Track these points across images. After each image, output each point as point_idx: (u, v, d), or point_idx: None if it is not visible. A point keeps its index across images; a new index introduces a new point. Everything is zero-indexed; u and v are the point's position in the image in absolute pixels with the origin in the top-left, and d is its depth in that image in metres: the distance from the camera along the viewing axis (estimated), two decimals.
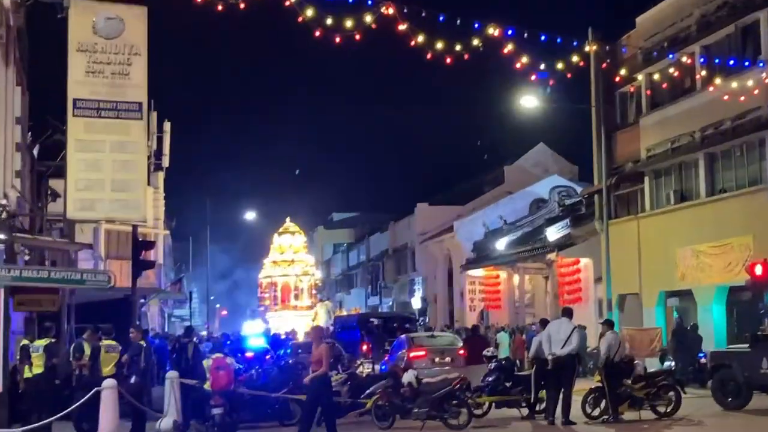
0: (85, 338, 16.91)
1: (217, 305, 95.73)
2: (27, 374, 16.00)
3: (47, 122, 25.37)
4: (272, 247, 61.96)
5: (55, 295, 19.99)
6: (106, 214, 20.60)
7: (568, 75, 20.07)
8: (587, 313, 32.55)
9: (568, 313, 18.26)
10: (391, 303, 63.08)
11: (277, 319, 58.87)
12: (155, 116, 36.89)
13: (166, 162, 39.47)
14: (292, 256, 60.07)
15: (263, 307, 62.76)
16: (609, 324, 18.92)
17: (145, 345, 16.86)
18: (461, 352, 24.52)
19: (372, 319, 37.20)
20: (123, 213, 20.52)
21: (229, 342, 30.49)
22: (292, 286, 59.25)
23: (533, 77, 19.68)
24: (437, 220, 54.63)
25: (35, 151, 26.42)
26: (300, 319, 57.74)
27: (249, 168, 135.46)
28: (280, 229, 62.22)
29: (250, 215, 63.60)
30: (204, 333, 53.08)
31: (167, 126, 38.36)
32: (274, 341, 33.30)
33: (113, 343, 16.57)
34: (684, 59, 26.05)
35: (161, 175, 40.89)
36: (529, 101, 29.68)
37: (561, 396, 17.23)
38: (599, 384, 17.78)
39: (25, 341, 16.59)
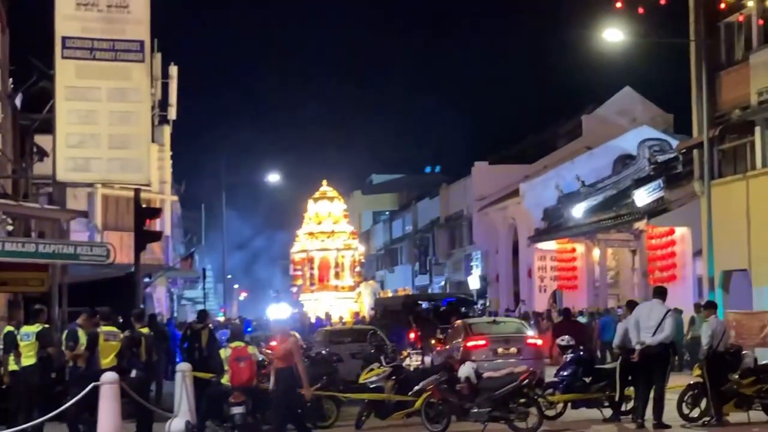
0: (80, 324, 17.10)
1: (235, 285, 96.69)
2: (12, 367, 16.23)
3: (32, 66, 25.56)
4: (306, 216, 62.13)
5: (44, 272, 20.29)
6: (102, 175, 20.84)
7: (662, 1, 19.79)
8: (684, 293, 32.36)
9: (660, 293, 18.15)
10: (443, 282, 63.22)
11: (313, 301, 59.08)
12: (159, 58, 36.92)
13: (172, 114, 39.58)
14: (331, 227, 60.22)
15: (296, 288, 63.06)
16: (711, 307, 18.78)
17: (147, 333, 17.03)
18: (530, 341, 24.55)
19: (421, 302, 37.31)
20: (123, 174, 20.74)
21: (250, 329, 30.78)
22: (332, 262, 59.34)
23: (618, 4, 19.45)
24: (499, 182, 54.45)
25: (18, 101, 26.68)
26: (340, 302, 57.98)
27: (271, 123, 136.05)
28: (316, 194, 62.38)
29: (273, 178, 63.78)
30: (220, 318, 53.65)
31: (174, 70, 38.36)
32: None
33: (114, 329, 16.77)
34: None
35: (167, 129, 41.08)
36: (613, 35, 29.31)
37: (652, 394, 17.18)
38: (699, 379, 17.68)
39: (9, 327, 16.82)
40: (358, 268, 62.11)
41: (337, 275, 59.53)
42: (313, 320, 45.75)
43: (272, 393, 15.65)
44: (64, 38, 19.67)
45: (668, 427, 17.02)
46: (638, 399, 17.63)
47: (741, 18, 30.65)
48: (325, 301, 58.50)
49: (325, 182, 63.15)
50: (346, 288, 59.96)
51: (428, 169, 79.92)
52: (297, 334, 17.99)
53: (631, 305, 19.14)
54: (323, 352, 23.79)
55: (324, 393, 18.91)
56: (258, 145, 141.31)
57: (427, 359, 28.37)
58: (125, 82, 19.99)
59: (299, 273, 62.30)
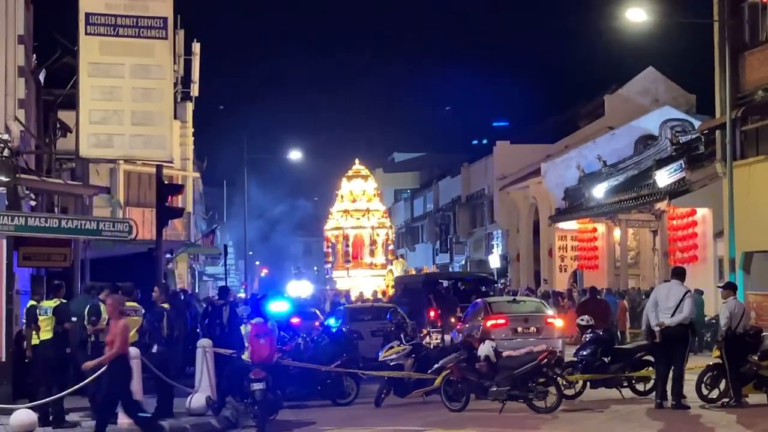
0: (102, 299, 17.16)
1: (257, 262, 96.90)
2: (34, 341, 16.32)
3: (56, 42, 25.60)
4: (340, 193, 62.06)
5: (67, 248, 20.36)
6: (125, 151, 20.81)
7: None
8: (705, 274, 32.26)
9: (679, 274, 18.17)
10: (463, 261, 63.22)
11: (346, 279, 58.89)
12: (182, 35, 36.94)
13: (195, 91, 39.59)
14: (366, 205, 60.30)
15: (329, 264, 62.92)
16: (731, 288, 18.71)
17: (169, 308, 17.08)
18: (550, 320, 24.60)
19: (441, 281, 37.28)
20: (145, 151, 20.73)
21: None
22: (367, 240, 59.30)
23: None
24: (521, 161, 54.38)
25: (42, 77, 26.74)
26: (373, 279, 57.93)
27: (293, 100, 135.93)
28: (350, 173, 62.40)
29: (294, 155, 63.90)
30: (241, 294, 53.71)
31: (197, 47, 38.38)
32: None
33: (135, 304, 16.82)
34: None
35: (190, 106, 41.21)
36: (636, 15, 29.10)
37: (672, 374, 17.17)
38: (718, 360, 17.65)
39: (32, 302, 16.91)
40: (390, 246, 62.07)
41: (372, 253, 59.44)
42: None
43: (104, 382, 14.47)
44: (87, 14, 19.66)
45: (687, 407, 17.02)
46: (658, 379, 17.65)
47: None
48: (358, 278, 58.35)
49: (357, 161, 63.03)
50: (379, 266, 59.88)
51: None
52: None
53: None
54: (343, 329, 23.89)
55: (345, 370, 19.02)
56: (280, 122, 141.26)
57: (447, 337, 28.43)
58: (148, 58, 19.98)
59: (330, 250, 62.14)
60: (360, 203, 60.58)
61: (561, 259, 46.88)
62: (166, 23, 20.14)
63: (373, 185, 62.62)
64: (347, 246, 59.75)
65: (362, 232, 60.08)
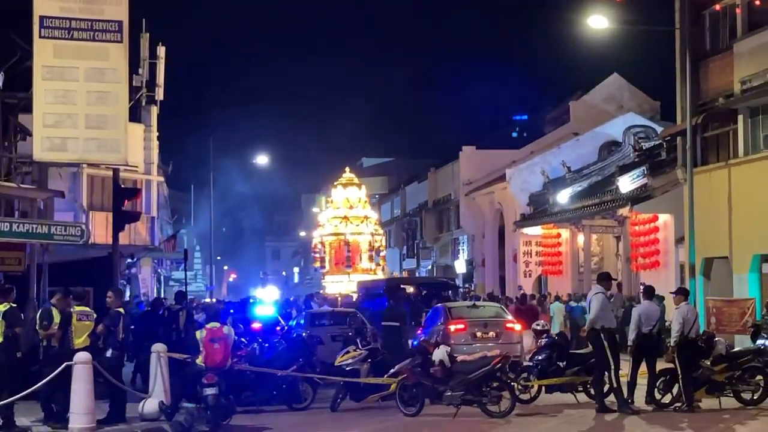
0: (54, 303, 17.02)
1: (225, 267, 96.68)
2: None
3: (14, 44, 25.42)
4: (335, 200, 61.85)
5: (21, 251, 20.23)
6: (79, 155, 20.73)
7: None
8: (666, 280, 32.38)
9: (599, 279, 18.94)
10: (430, 266, 63.25)
11: (346, 283, 58.34)
12: (147, 38, 36.82)
13: (160, 95, 39.38)
14: (363, 212, 60.23)
15: (322, 267, 62.51)
16: (683, 293, 18.90)
17: (124, 312, 16.96)
18: (509, 325, 24.62)
19: (403, 286, 37.18)
20: (99, 155, 20.66)
21: (232, 311, 30.54)
22: (365, 246, 59.08)
23: None
24: (486, 167, 54.47)
25: (0, 80, 26.55)
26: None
27: (261, 104, 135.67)
28: (343, 180, 62.29)
29: (262, 160, 63.81)
30: (207, 300, 53.35)
31: (162, 51, 38.18)
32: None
33: (87, 309, 16.68)
34: None
35: (155, 110, 40.82)
36: (598, 21, 29.23)
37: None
38: (671, 365, 17.76)
39: None
40: (382, 252, 61.99)
41: (370, 258, 59.27)
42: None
43: None
44: (42, 17, 19.60)
45: (610, 411, 17.27)
46: (595, 383, 18.10)
47: (718, 7, 30.54)
48: (349, 283, 57.98)
49: (348, 169, 62.89)
50: (371, 271, 59.72)
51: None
52: None
53: (649, 291, 19.67)
54: (303, 334, 23.79)
55: (301, 374, 18.95)
56: (247, 126, 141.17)
57: (410, 343, 28.35)
58: (103, 62, 19.93)
59: (317, 255, 61.68)
60: (357, 210, 60.46)
61: (525, 265, 46.89)
62: (122, 27, 20.09)
63: (365, 193, 62.60)
64: (348, 251, 59.35)
65: (359, 239, 59.94)
